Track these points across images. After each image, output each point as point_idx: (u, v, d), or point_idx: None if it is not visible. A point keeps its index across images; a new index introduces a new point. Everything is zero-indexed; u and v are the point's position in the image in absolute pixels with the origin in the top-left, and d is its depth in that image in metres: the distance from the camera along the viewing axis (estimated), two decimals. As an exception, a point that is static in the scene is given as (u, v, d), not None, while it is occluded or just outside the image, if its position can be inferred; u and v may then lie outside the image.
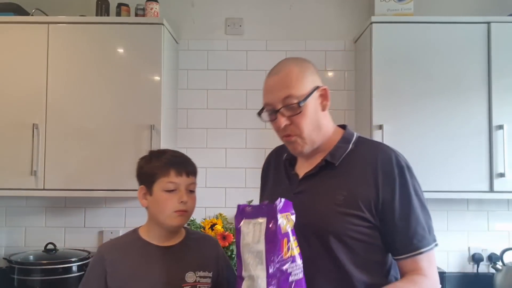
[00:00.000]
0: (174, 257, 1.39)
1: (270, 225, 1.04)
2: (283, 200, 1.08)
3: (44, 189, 2.18)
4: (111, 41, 2.25)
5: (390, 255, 1.23)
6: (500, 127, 2.16)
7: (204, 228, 2.41)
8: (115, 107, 2.21)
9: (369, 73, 2.25)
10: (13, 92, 2.20)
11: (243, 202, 2.45)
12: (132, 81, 2.21)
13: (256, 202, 2.37)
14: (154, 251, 1.38)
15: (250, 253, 1.06)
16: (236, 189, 2.54)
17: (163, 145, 2.22)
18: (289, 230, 1.07)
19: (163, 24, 2.24)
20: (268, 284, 1.02)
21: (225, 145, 2.58)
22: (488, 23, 2.21)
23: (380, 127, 2.18)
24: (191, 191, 1.40)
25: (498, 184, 2.15)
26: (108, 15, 2.42)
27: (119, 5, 2.41)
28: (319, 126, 1.23)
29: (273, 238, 1.03)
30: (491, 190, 2.16)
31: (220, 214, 2.52)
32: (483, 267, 2.48)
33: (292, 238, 1.07)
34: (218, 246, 1.54)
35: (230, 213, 2.46)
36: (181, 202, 1.35)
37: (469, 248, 2.50)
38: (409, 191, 1.18)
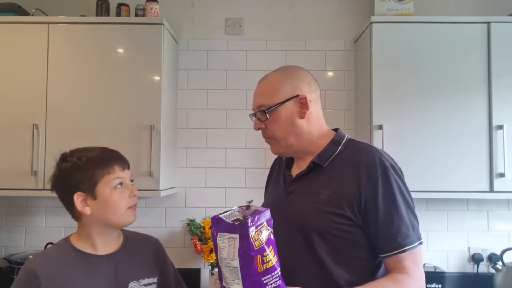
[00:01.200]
0: (114, 267, 1.27)
1: (243, 244, 1.06)
2: (257, 216, 1.09)
3: (44, 189, 2.17)
4: (111, 41, 2.25)
5: (376, 253, 1.25)
6: (500, 127, 2.16)
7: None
8: (115, 107, 2.21)
9: (369, 73, 2.24)
10: (13, 92, 2.20)
11: (243, 202, 2.48)
12: (132, 81, 2.21)
13: (256, 202, 2.38)
14: (92, 262, 1.25)
15: (227, 267, 1.08)
16: (236, 189, 2.54)
17: (163, 145, 2.22)
18: (264, 242, 1.08)
19: (163, 24, 2.24)
20: None
21: (225, 145, 2.58)
22: (488, 23, 2.20)
23: (380, 127, 2.18)
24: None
25: (498, 184, 2.15)
26: (108, 15, 2.42)
27: (119, 5, 2.41)
28: (297, 132, 1.30)
29: (246, 257, 1.06)
30: (491, 190, 2.16)
31: (220, 214, 2.52)
32: (483, 267, 2.48)
33: (268, 250, 1.09)
34: (158, 246, 1.43)
35: (230, 213, 2.46)
36: (133, 195, 1.28)
37: (469, 248, 2.50)
38: (393, 190, 1.21)
